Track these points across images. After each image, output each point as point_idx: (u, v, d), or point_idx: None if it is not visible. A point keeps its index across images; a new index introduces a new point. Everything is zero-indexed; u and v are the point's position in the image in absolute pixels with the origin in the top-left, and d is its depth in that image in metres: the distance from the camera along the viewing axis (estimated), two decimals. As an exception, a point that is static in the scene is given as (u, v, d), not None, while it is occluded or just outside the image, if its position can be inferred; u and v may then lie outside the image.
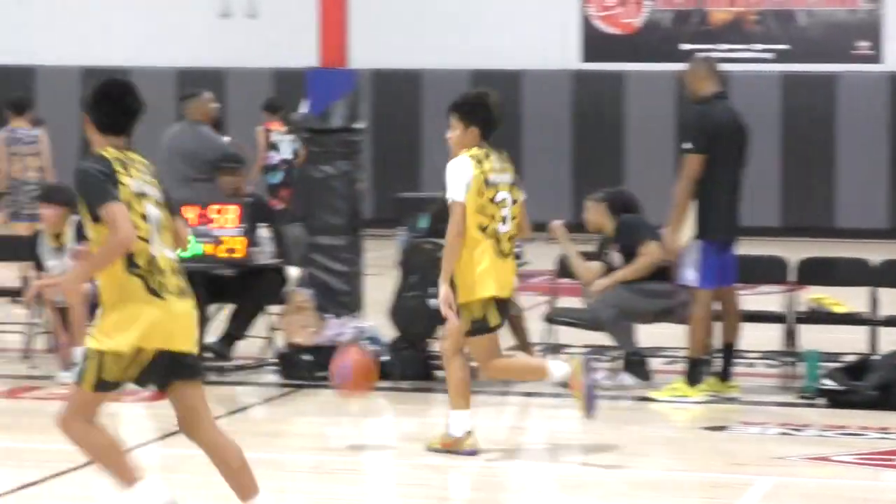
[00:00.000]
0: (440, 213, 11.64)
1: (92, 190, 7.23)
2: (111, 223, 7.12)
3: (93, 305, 12.96)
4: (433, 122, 25.93)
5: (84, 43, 28.13)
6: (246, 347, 13.67)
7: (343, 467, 10.34)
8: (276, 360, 13.28)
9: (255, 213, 13.46)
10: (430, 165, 22.26)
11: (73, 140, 25.87)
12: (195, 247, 12.69)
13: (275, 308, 13.57)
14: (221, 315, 13.72)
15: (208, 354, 13.01)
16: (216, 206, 13.28)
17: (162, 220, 7.37)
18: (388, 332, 13.12)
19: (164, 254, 7.33)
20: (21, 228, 17.05)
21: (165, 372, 7.37)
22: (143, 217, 7.28)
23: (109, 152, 7.36)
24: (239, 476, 7.51)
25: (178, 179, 13.71)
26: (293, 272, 13.66)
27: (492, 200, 10.21)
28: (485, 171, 10.22)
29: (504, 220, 10.26)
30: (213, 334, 13.49)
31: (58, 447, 10.77)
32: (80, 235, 12.87)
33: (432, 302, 11.87)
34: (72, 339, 12.71)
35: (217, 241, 13.19)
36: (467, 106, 10.39)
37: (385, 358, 12.77)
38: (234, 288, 13.43)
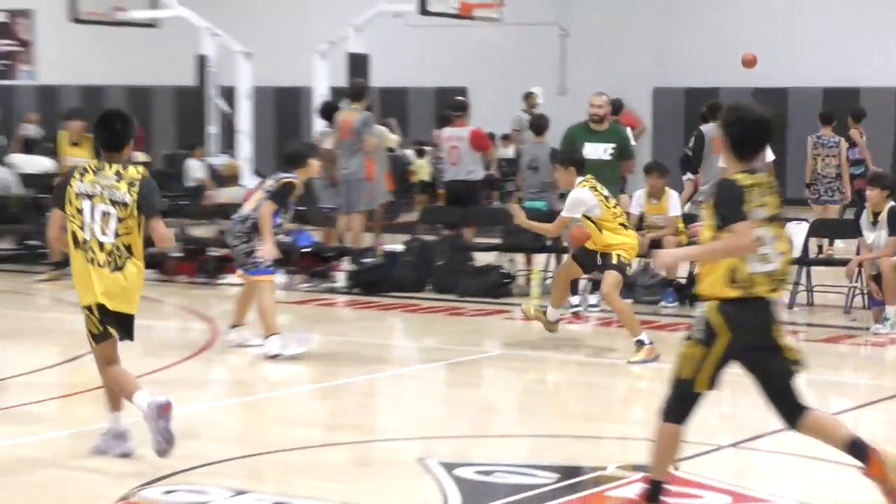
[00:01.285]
0: None
1: (53, 195, 7.90)
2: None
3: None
4: None
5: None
6: None
7: None
8: None
9: None
10: None
11: (887, 150, 25.43)
12: None
13: None
14: None
15: None
16: None
17: (110, 214, 7.58)
18: None
19: (98, 238, 7.60)
20: (818, 211, 17.59)
21: (114, 317, 7.67)
22: (79, 211, 7.64)
23: (85, 164, 7.85)
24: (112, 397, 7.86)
25: None
26: None
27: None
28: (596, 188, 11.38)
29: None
30: None
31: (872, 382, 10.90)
32: None
33: None
34: (887, 298, 12.69)
35: None
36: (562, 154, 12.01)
37: None
38: None
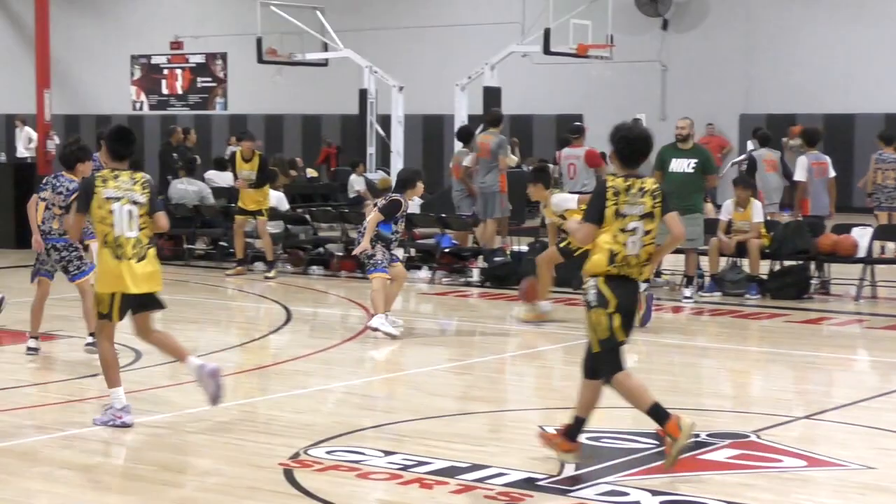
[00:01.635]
0: None
1: (77, 200, 7.98)
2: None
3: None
4: None
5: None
6: None
7: None
8: None
9: None
10: None
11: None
12: None
13: None
14: None
15: None
16: None
17: (133, 213, 7.64)
18: None
19: (125, 234, 7.63)
20: (882, 217, 17.05)
21: (130, 305, 7.73)
22: (110, 212, 7.64)
23: (101, 173, 7.75)
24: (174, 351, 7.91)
25: None
26: None
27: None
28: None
29: None
30: None
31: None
32: None
33: None
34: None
35: None
36: (532, 173, 11.98)
37: None
38: None
